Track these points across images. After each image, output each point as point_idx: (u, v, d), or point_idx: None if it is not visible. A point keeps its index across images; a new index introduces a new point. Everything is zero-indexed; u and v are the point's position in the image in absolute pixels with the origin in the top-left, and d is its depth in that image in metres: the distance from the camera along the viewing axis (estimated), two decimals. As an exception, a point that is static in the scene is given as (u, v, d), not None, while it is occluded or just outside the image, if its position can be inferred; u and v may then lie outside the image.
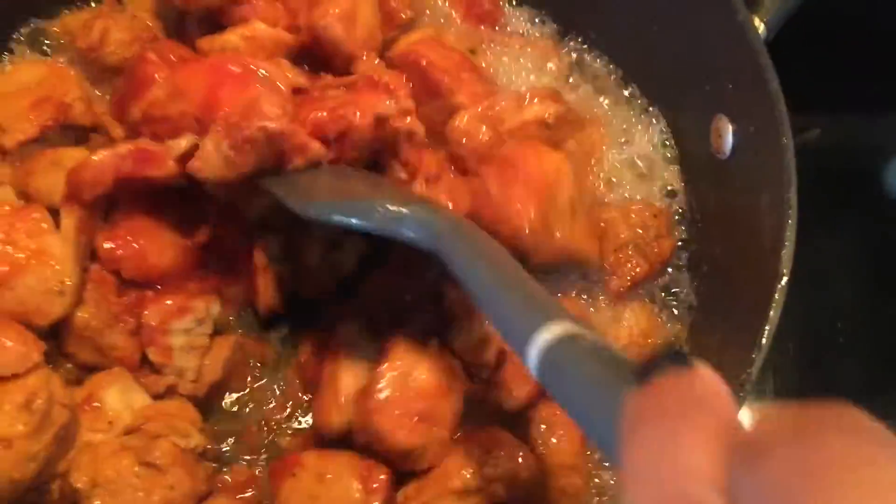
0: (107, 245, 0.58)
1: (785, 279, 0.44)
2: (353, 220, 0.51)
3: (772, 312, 0.43)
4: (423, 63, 0.63)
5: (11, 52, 0.65)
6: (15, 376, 0.51)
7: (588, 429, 0.39)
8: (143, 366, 0.59)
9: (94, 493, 0.50)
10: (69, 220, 0.56)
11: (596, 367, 0.38)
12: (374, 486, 0.52)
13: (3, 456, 0.49)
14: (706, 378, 0.34)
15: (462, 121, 0.61)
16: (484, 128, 0.60)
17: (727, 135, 0.56)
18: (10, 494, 0.49)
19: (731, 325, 0.51)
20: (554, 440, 0.57)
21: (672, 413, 0.33)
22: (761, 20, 0.55)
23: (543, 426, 0.57)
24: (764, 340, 0.44)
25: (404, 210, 0.51)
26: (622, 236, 0.61)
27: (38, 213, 0.56)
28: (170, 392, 0.59)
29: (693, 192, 0.62)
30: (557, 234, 0.58)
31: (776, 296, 0.44)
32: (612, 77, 0.67)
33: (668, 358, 0.33)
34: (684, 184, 0.62)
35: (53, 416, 0.52)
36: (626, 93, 0.66)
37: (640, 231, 0.62)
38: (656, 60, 0.63)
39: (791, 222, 0.46)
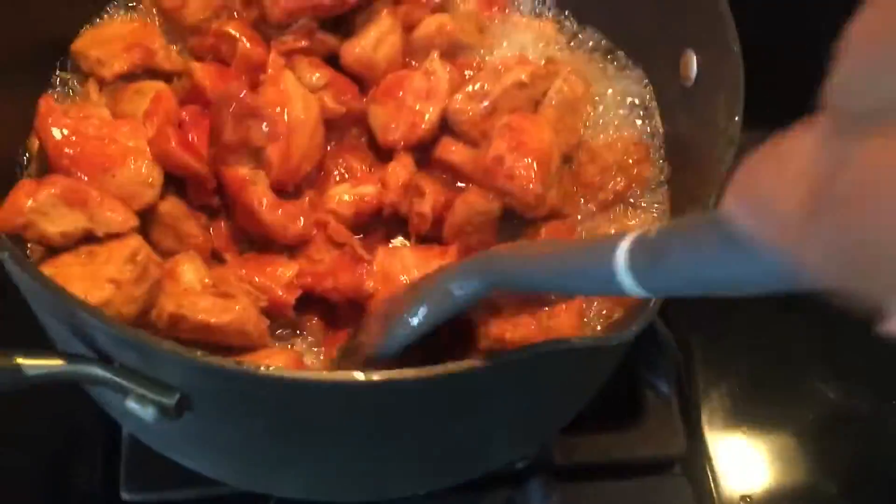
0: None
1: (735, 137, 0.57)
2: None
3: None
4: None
5: (108, 11, 0.79)
6: (119, 236, 0.64)
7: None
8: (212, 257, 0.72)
9: (182, 310, 0.61)
10: (151, 130, 0.69)
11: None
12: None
13: (115, 293, 0.60)
14: None
15: (456, 103, 0.73)
16: (473, 104, 0.72)
17: (693, 64, 0.70)
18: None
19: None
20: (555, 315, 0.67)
21: None
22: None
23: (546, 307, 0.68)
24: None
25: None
26: (608, 160, 0.74)
27: (135, 121, 0.69)
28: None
29: (668, 117, 0.75)
30: (551, 194, 0.71)
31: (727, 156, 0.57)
32: (602, 43, 0.81)
33: None
34: (660, 116, 0.76)
35: (150, 271, 0.64)
36: (609, 56, 0.80)
37: (624, 157, 0.74)
38: (636, 26, 0.78)
39: (740, 103, 0.59)
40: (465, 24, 0.80)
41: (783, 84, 0.74)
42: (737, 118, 0.59)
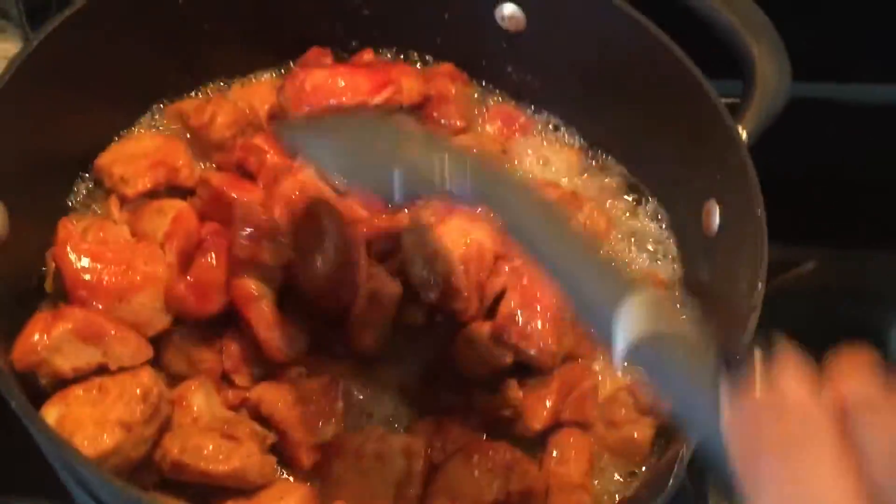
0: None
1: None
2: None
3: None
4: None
5: (140, 124, 0.80)
6: (130, 370, 0.64)
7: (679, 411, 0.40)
8: (223, 381, 0.71)
9: (184, 457, 0.60)
10: (171, 254, 0.70)
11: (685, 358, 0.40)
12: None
13: (126, 437, 0.60)
14: (794, 372, 0.35)
15: None
16: None
17: (715, 215, 0.70)
18: (126, 469, 0.60)
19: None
20: (564, 462, 0.67)
21: (783, 440, 0.34)
22: (744, 128, 0.70)
23: (555, 452, 0.68)
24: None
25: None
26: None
27: (153, 246, 0.69)
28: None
29: (688, 262, 0.75)
30: (565, 341, 0.69)
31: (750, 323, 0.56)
32: (619, 176, 0.81)
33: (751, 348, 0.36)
34: (681, 260, 0.76)
35: (161, 408, 0.63)
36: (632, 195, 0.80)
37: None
38: (658, 164, 0.78)
39: (763, 269, 0.59)
40: (489, 145, 0.82)
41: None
42: (759, 286, 0.58)
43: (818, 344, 0.37)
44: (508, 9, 0.81)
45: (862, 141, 1.01)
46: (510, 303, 0.66)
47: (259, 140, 0.77)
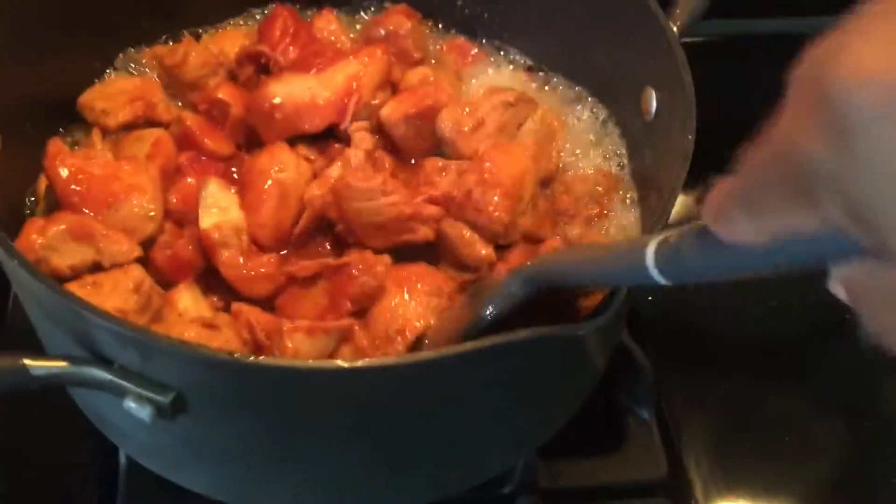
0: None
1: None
2: None
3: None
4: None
5: (115, 68, 0.86)
6: (121, 267, 0.69)
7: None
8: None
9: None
10: (152, 169, 0.75)
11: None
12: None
13: (122, 323, 0.65)
14: None
15: (449, 114, 0.80)
16: (466, 110, 0.79)
17: (652, 100, 0.76)
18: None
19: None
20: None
21: None
22: (674, 23, 0.76)
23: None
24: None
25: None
26: (580, 191, 0.79)
27: (137, 161, 0.75)
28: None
29: (633, 151, 0.81)
30: (520, 222, 0.75)
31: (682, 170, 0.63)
32: (565, 88, 0.88)
33: None
34: (627, 152, 0.82)
35: (153, 300, 0.69)
36: (573, 95, 0.87)
37: (595, 187, 0.80)
38: (597, 70, 0.84)
39: (692, 122, 0.65)
40: (445, 74, 0.87)
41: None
42: (690, 136, 0.65)
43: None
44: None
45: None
46: (467, 182, 0.72)
47: (223, 92, 0.82)
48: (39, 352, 0.56)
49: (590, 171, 0.82)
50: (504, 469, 0.77)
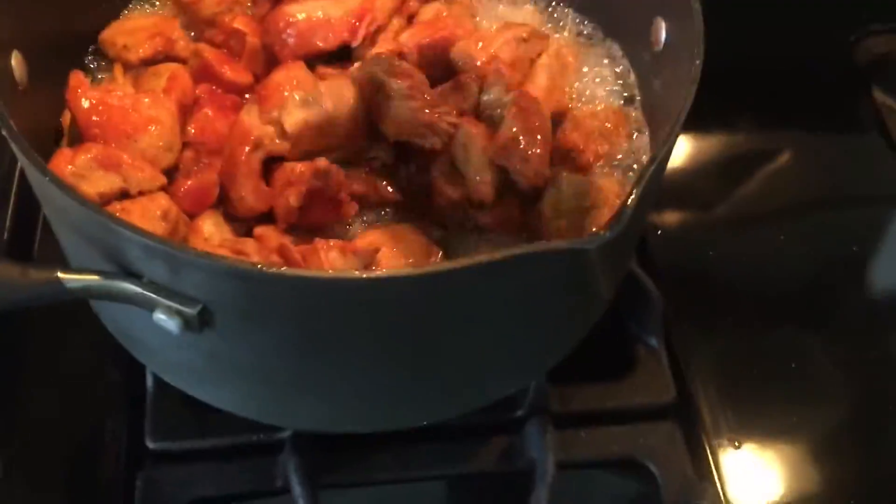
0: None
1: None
2: None
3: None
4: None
5: (136, 5, 0.89)
6: (148, 195, 0.71)
7: None
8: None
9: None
10: (169, 102, 0.77)
11: None
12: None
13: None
14: None
15: (462, 47, 0.82)
16: (480, 44, 0.81)
17: (661, 31, 0.77)
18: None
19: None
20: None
21: None
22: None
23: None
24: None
25: None
26: (590, 127, 0.80)
27: (155, 94, 0.77)
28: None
29: (643, 84, 0.83)
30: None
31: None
32: (580, 26, 0.89)
33: None
34: (637, 85, 0.83)
35: (180, 228, 0.72)
36: (585, 31, 0.89)
37: (605, 123, 0.80)
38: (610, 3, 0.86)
39: (700, 48, 0.67)
40: (458, 10, 0.88)
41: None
42: (698, 62, 0.66)
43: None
44: None
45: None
46: (511, 128, 0.73)
47: (240, 22, 0.83)
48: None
49: (600, 108, 0.83)
50: (517, 389, 0.79)
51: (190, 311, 0.57)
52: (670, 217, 1.00)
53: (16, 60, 0.70)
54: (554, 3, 0.91)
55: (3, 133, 0.60)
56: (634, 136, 0.82)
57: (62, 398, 0.83)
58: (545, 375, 0.82)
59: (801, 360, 0.91)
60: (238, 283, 0.55)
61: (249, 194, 0.74)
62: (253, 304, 0.57)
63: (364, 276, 0.53)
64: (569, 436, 0.83)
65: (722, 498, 0.81)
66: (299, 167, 0.73)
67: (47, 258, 0.88)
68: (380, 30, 0.84)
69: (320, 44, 0.81)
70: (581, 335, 0.76)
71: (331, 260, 0.65)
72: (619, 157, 0.81)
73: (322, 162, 0.72)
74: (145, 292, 0.57)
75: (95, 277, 0.57)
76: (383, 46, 0.82)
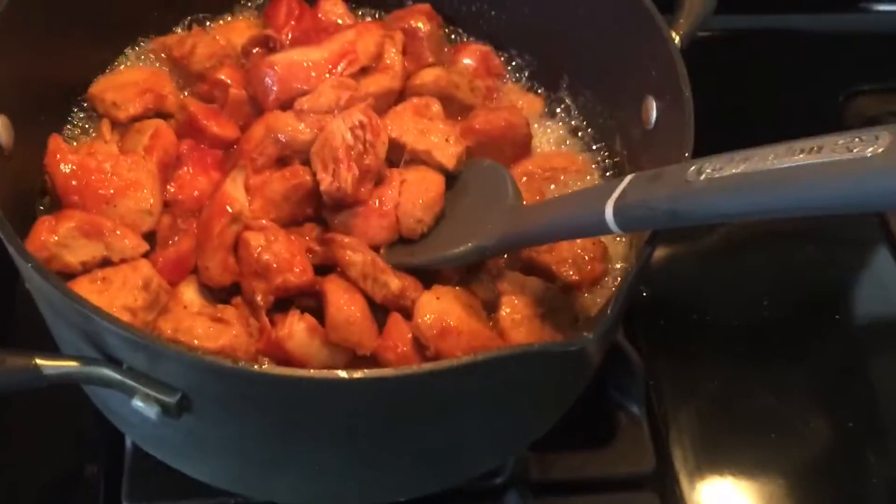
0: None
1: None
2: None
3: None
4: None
5: (126, 58, 0.88)
6: (130, 263, 0.71)
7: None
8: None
9: (178, 335, 0.67)
10: (150, 164, 0.76)
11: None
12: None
13: (132, 321, 0.67)
14: None
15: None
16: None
17: (652, 109, 0.77)
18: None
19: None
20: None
21: None
22: (677, 33, 0.77)
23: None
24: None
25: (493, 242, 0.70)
26: (564, 253, 0.77)
27: (136, 155, 0.76)
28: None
29: (632, 161, 0.82)
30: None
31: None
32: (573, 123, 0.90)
33: None
34: (627, 162, 0.84)
35: (161, 298, 0.71)
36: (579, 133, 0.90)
37: (581, 252, 0.78)
38: (605, 81, 0.86)
39: (690, 138, 0.67)
40: (459, 80, 0.87)
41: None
42: (687, 154, 0.66)
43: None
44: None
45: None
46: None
47: (225, 73, 0.84)
48: (48, 345, 0.58)
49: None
50: (498, 465, 0.79)
51: (168, 399, 0.57)
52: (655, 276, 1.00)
53: (2, 125, 0.70)
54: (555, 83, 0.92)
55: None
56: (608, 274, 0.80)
57: (37, 457, 0.82)
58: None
59: (779, 425, 0.91)
60: (216, 376, 0.55)
61: (217, 267, 0.72)
62: (231, 394, 0.58)
63: (343, 376, 0.53)
64: (549, 504, 0.84)
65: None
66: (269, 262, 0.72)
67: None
68: (364, 71, 0.84)
69: (300, 86, 0.80)
70: (566, 409, 0.76)
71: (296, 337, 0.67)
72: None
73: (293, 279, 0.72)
74: (125, 380, 0.57)
75: (74, 364, 0.57)
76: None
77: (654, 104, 0.77)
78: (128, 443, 0.80)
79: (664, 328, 0.96)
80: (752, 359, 0.96)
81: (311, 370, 0.61)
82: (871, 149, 0.46)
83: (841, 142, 0.48)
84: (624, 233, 0.61)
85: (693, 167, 0.55)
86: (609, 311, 0.59)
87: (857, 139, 0.47)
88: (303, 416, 0.58)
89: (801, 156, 0.49)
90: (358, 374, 0.53)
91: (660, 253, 0.98)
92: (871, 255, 1.06)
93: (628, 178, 0.60)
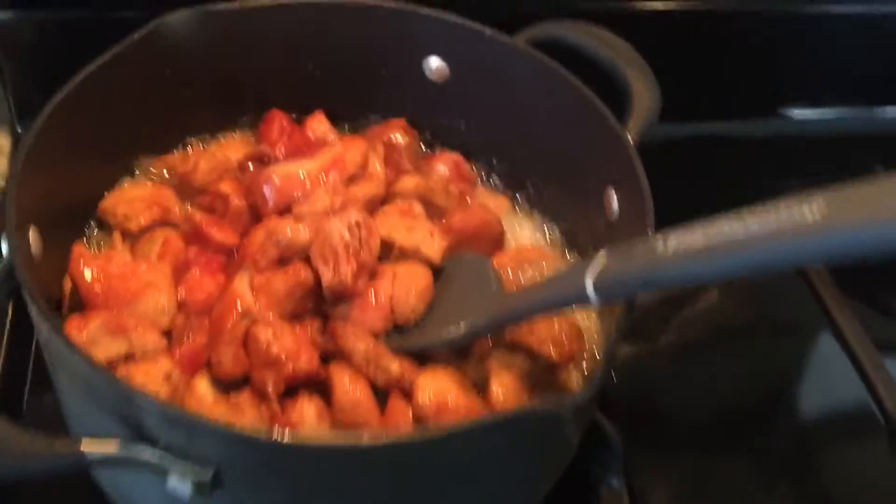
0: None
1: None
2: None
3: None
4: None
5: (132, 175, 0.96)
6: (151, 358, 0.77)
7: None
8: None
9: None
10: (165, 267, 0.84)
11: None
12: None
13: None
14: None
15: None
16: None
17: (613, 201, 0.87)
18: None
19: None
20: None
21: None
22: (629, 132, 0.88)
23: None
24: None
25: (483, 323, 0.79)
26: (543, 334, 0.83)
27: (152, 261, 0.84)
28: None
29: (596, 247, 0.89)
30: None
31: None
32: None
33: None
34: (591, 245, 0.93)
35: (180, 389, 0.77)
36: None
37: (560, 334, 0.84)
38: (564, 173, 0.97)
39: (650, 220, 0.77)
40: (435, 186, 0.97)
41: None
42: (650, 230, 0.76)
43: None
44: (434, 62, 1.00)
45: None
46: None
47: (224, 186, 0.92)
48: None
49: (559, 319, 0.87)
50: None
51: (203, 476, 0.62)
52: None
53: (33, 235, 0.76)
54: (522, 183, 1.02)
55: (33, 311, 0.65)
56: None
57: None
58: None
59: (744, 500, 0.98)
60: (249, 448, 0.61)
61: (229, 360, 0.78)
62: (261, 466, 0.63)
63: (351, 443, 0.60)
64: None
65: None
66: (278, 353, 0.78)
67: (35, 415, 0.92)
68: (351, 180, 0.94)
69: (296, 193, 0.89)
70: (550, 485, 0.82)
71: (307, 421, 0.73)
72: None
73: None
74: (162, 458, 0.62)
75: (115, 447, 0.62)
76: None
77: (615, 195, 0.87)
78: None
79: (635, 409, 1.03)
80: (705, 450, 1.02)
81: (332, 438, 0.68)
82: (809, 213, 0.56)
83: (784, 208, 0.57)
84: (602, 304, 0.69)
85: (660, 240, 0.64)
86: (594, 378, 0.67)
87: (797, 205, 0.57)
88: (324, 481, 0.64)
89: (752, 223, 0.59)
90: (366, 442, 0.59)
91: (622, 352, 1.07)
92: (817, 343, 1.14)
93: (602, 253, 0.69)
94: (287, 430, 0.70)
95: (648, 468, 0.98)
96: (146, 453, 0.62)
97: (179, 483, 0.62)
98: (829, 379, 1.10)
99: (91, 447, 0.62)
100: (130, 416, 0.63)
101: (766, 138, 1.40)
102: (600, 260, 0.68)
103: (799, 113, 1.43)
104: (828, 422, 1.07)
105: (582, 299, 0.69)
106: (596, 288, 0.67)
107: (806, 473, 1.01)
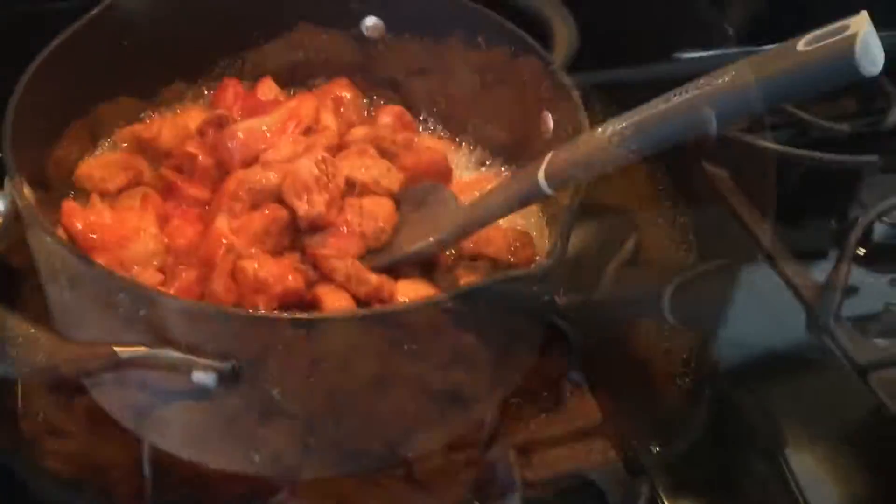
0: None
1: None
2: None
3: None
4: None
5: (103, 146, 1.02)
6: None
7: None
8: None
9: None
10: (150, 214, 0.91)
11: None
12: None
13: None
14: None
15: None
16: None
17: (549, 121, 0.98)
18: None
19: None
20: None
21: None
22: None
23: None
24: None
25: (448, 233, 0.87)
26: (500, 245, 0.94)
27: (135, 210, 0.91)
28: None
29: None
30: None
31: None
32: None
33: None
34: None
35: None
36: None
37: (512, 240, 0.95)
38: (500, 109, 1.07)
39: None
40: (384, 133, 1.05)
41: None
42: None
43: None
44: (370, 20, 1.10)
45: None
46: None
47: (190, 146, 0.99)
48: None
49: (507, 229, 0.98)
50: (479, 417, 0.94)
51: (225, 366, 0.70)
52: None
53: (27, 191, 0.82)
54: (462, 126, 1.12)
55: (49, 239, 0.72)
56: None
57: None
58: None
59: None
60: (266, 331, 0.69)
61: (221, 290, 0.85)
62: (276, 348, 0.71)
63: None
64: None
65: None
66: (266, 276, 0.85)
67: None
68: (307, 133, 1.02)
69: (260, 146, 0.97)
70: (534, 351, 0.93)
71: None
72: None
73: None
74: (186, 356, 0.69)
75: (143, 349, 0.69)
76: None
77: (550, 117, 0.98)
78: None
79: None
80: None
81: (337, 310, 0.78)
82: (720, 79, 0.67)
83: (702, 80, 0.69)
84: (554, 190, 0.79)
85: (599, 129, 0.75)
86: (556, 249, 0.77)
87: (714, 77, 0.68)
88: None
89: (674, 98, 0.70)
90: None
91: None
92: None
93: (550, 153, 0.79)
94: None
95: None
96: (170, 354, 0.69)
97: (204, 375, 0.69)
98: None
99: (122, 349, 0.69)
100: (153, 322, 0.70)
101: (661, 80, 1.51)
102: (548, 157, 0.79)
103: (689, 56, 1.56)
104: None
105: (536, 191, 0.79)
106: (547, 177, 0.77)
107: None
